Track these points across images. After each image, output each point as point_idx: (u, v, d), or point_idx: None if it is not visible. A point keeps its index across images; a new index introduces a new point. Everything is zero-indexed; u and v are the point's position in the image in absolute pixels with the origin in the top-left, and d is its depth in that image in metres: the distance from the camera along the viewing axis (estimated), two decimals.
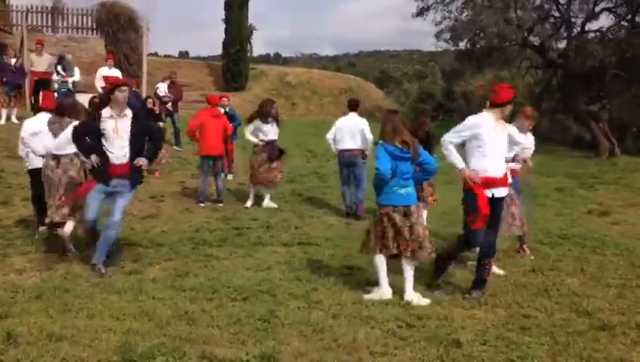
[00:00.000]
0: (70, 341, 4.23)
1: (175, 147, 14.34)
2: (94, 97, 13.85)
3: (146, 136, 6.30)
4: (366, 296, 5.49)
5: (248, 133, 10.07)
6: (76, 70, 15.03)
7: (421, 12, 23.27)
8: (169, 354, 4.03)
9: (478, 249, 5.87)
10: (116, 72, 14.72)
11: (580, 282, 6.23)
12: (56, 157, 6.70)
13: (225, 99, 12.48)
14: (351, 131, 9.50)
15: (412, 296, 5.43)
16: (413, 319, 4.96)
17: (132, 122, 6.13)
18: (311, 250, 7.29)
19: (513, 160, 6.61)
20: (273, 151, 9.96)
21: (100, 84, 14.43)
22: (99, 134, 6.03)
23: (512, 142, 5.99)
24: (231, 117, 12.19)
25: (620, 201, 11.94)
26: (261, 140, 9.94)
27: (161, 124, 11.34)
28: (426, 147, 6.28)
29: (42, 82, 14.26)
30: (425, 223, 6.22)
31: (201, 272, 6.20)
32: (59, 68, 14.78)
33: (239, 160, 12.73)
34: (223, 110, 12.33)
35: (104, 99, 6.22)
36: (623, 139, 22.01)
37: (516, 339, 4.59)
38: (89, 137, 6.08)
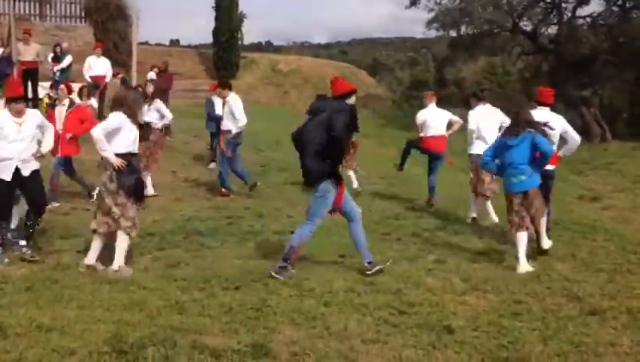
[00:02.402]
0: (60, 332, 4.20)
1: (165, 136, 14.23)
2: (83, 86, 13.83)
3: None
4: (520, 270, 5.99)
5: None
6: (67, 58, 14.89)
7: (413, 2, 23.19)
8: (160, 344, 4.00)
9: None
10: (105, 61, 14.61)
11: (570, 267, 6.25)
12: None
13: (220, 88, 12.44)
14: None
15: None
16: (404, 306, 4.96)
17: None
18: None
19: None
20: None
21: (88, 73, 14.32)
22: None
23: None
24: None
25: (611, 187, 12.01)
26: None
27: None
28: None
29: (30, 71, 14.10)
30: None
31: (192, 262, 6.18)
32: (50, 55, 14.67)
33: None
34: (219, 99, 12.26)
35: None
36: (613, 125, 22.10)
37: (508, 325, 4.60)
38: None
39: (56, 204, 8.39)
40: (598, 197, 10.73)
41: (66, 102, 8.67)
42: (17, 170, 6.14)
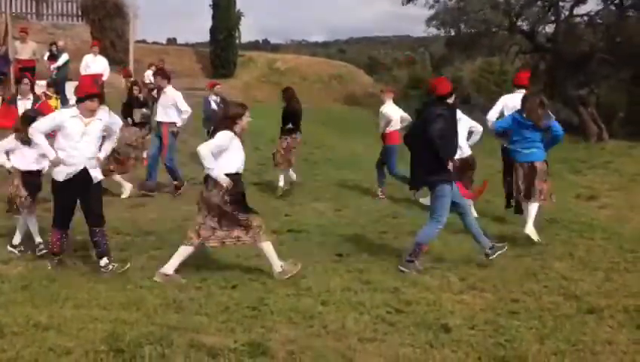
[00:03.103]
0: (57, 330, 4.19)
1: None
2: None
3: None
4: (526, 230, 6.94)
5: None
6: (63, 56, 14.87)
7: None
8: (157, 343, 4.00)
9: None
10: (102, 60, 14.60)
11: (568, 266, 6.26)
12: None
13: (218, 87, 12.51)
14: None
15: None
16: (402, 304, 4.96)
17: None
18: (300, 237, 7.28)
19: None
20: None
21: (85, 72, 14.30)
22: None
23: None
24: (224, 104, 12.17)
25: (608, 185, 12.01)
26: None
27: (144, 110, 11.26)
28: None
29: (27, 70, 14.08)
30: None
31: (189, 261, 6.14)
32: (46, 54, 14.65)
33: None
34: (215, 97, 12.29)
35: None
36: (610, 124, 22.10)
37: (505, 323, 4.61)
38: None
39: None
40: (595, 195, 10.73)
41: (31, 97, 8.57)
42: (82, 173, 5.77)
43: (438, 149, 5.87)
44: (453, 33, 23.53)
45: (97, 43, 15.62)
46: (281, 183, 10.02)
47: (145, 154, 11.77)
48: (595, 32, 20.37)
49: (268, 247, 5.66)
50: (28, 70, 14.05)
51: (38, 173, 6.53)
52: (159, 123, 9.62)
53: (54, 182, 5.80)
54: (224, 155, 5.59)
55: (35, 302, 4.77)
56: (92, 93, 5.78)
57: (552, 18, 22.06)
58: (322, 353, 4.02)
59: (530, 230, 7.02)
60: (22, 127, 6.31)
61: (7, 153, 6.45)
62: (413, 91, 28.09)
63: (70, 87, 14.54)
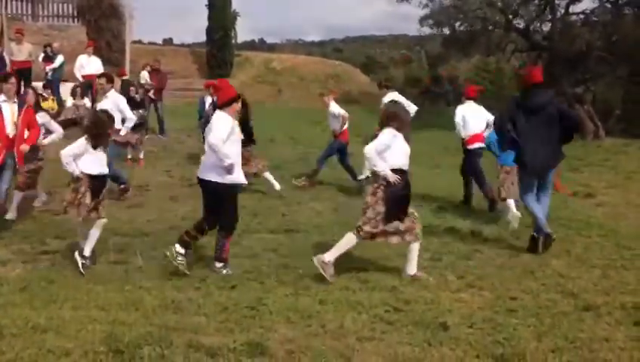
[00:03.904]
0: (55, 332, 4.19)
1: (159, 136, 14.23)
2: (76, 86, 13.79)
3: None
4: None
5: None
6: (58, 58, 14.84)
7: None
8: (156, 344, 4.00)
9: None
10: (96, 60, 14.58)
11: (565, 263, 6.28)
12: None
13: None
14: None
15: None
16: (400, 303, 4.97)
17: None
18: (298, 236, 7.29)
19: None
20: None
21: (79, 72, 14.29)
22: None
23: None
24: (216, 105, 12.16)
25: (605, 183, 12.03)
26: None
27: (140, 111, 11.27)
28: None
29: (23, 71, 14.03)
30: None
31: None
32: (41, 55, 14.61)
33: None
34: (211, 98, 12.28)
35: None
36: (607, 122, 22.15)
37: (502, 321, 4.62)
38: None
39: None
40: (592, 193, 10.74)
41: (16, 100, 7.82)
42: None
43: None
44: (447, 32, 23.55)
45: (92, 43, 15.59)
46: (276, 186, 9.96)
47: (142, 155, 11.79)
48: (591, 30, 20.38)
49: (416, 248, 5.76)
50: (24, 72, 14.03)
51: (104, 177, 6.22)
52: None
53: (236, 187, 5.92)
54: (388, 152, 5.66)
55: (33, 304, 4.76)
56: (237, 97, 5.97)
57: (549, 16, 22.08)
58: (321, 352, 4.03)
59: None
60: (97, 130, 6.06)
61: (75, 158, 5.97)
62: (410, 90, 28.08)
63: (66, 89, 14.55)
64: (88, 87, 14.02)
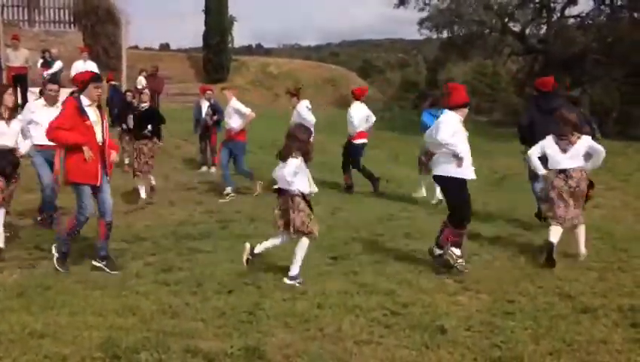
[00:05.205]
0: (52, 338, 4.19)
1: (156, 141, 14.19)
2: (74, 91, 13.77)
3: None
4: None
5: None
6: (57, 63, 14.84)
7: (402, 2, 23.30)
8: (153, 349, 4.00)
9: None
10: (92, 65, 14.56)
11: (562, 266, 6.28)
12: None
13: (209, 92, 12.50)
14: None
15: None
16: (397, 307, 4.97)
17: None
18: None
19: None
20: None
21: None
22: None
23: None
24: (215, 109, 12.18)
25: (602, 185, 12.02)
26: None
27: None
28: None
29: (19, 77, 14.06)
30: None
31: (185, 266, 6.16)
32: (39, 61, 14.61)
33: None
34: (207, 102, 12.32)
35: None
36: (603, 124, 22.20)
37: (500, 324, 4.63)
38: None
39: None
40: (589, 195, 10.75)
41: None
42: None
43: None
44: (445, 35, 23.65)
45: (87, 49, 15.58)
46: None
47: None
48: (587, 32, 20.47)
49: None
50: (20, 77, 14.04)
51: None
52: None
53: (464, 181, 6.04)
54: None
55: (30, 310, 4.75)
56: (468, 102, 6.20)
57: (545, 19, 22.18)
58: (319, 356, 4.03)
59: None
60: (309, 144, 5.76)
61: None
62: (407, 93, 28.20)
63: (62, 95, 14.51)
64: None
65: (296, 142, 5.64)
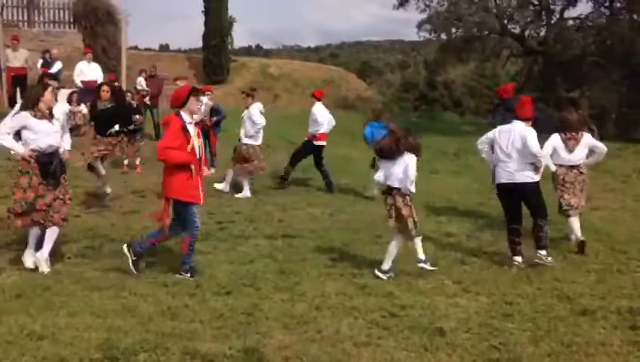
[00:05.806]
0: (51, 339, 4.19)
1: (156, 142, 14.20)
2: (73, 92, 13.76)
3: None
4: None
5: None
6: (56, 64, 14.83)
7: (402, 3, 23.30)
8: (152, 351, 4.00)
9: None
10: (96, 67, 14.56)
11: (561, 268, 6.29)
12: None
13: (209, 92, 12.45)
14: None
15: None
16: (396, 309, 4.97)
17: None
18: (294, 242, 7.28)
19: None
20: None
21: (79, 78, 14.26)
22: None
23: None
24: (215, 110, 12.17)
25: (600, 187, 12.04)
26: None
27: (137, 116, 11.24)
28: None
29: (19, 78, 14.05)
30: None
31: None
32: (40, 62, 14.60)
33: (222, 154, 12.65)
34: (206, 103, 12.28)
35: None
36: (602, 126, 22.21)
37: (499, 326, 4.63)
38: None
39: None
40: (588, 197, 10.74)
41: None
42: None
43: None
44: (445, 37, 23.63)
45: (90, 50, 15.57)
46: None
47: (138, 161, 11.78)
48: (586, 34, 20.48)
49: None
50: (20, 78, 14.03)
51: None
52: None
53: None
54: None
55: (29, 311, 4.75)
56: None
57: (544, 21, 22.19)
58: (317, 358, 4.03)
59: None
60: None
61: None
62: (406, 94, 28.21)
63: (62, 96, 14.50)
64: (88, 92, 13.98)
65: (406, 143, 5.95)
